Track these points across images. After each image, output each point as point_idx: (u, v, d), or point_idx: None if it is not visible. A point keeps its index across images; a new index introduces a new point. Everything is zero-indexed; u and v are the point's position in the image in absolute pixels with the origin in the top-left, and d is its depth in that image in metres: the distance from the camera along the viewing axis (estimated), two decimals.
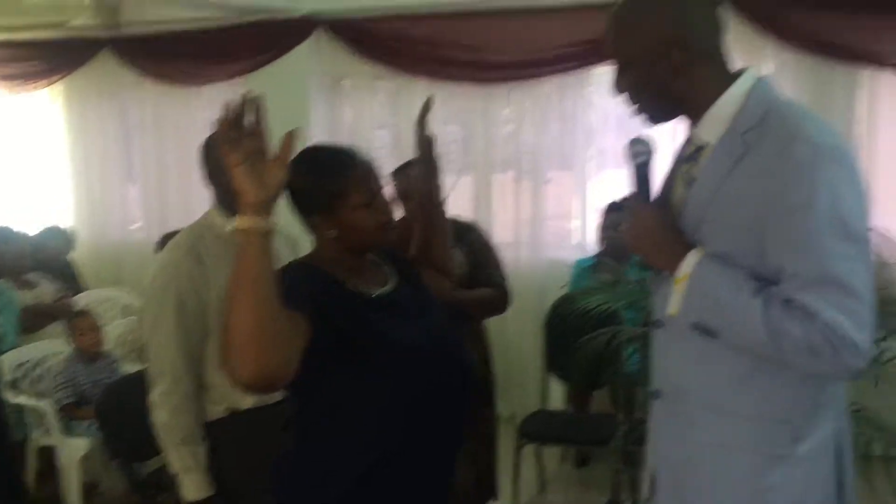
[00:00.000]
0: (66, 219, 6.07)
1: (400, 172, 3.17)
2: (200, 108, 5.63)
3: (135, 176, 6.11)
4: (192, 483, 2.19)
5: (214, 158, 2.14)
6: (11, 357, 4.08)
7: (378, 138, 5.38)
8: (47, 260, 5.19)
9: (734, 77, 1.56)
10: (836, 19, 4.13)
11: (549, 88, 4.89)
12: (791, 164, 1.41)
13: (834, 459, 1.57)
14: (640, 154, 1.65)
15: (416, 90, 5.11)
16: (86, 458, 3.81)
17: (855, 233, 1.41)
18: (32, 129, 6.21)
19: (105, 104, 6.04)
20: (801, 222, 1.40)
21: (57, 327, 4.41)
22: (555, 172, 5.05)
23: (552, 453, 4.41)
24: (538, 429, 3.87)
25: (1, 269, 4.63)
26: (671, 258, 1.55)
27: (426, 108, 2.08)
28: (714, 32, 1.57)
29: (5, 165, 6.34)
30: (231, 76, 5.47)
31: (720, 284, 1.48)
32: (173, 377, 2.18)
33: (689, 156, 1.63)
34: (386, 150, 5.30)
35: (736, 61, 1.61)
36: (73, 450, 3.80)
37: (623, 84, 1.62)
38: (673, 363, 1.65)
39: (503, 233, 5.02)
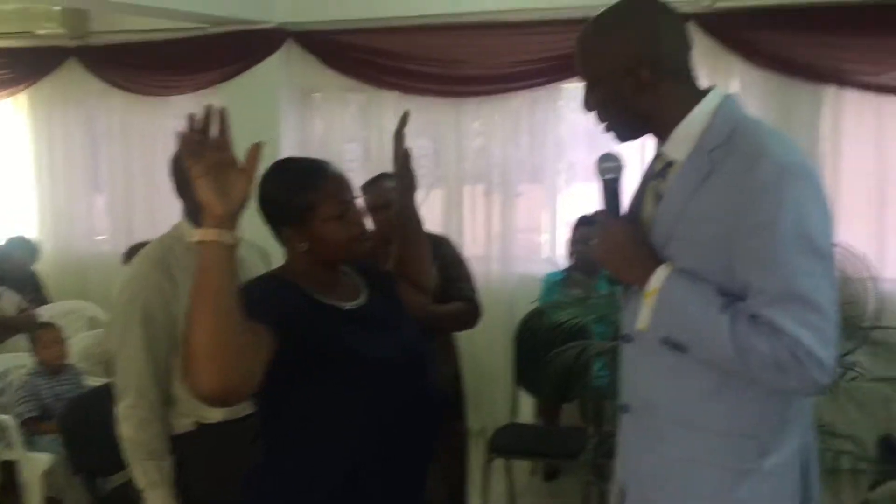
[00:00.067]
0: (30, 229, 5.98)
1: (371, 185, 3.16)
2: (168, 118, 5.58)
3: (101, 186, 6.04)
4: (158, 498, 2.16)
5: (184, 170, 2.12)
6: None
7: (348, 151, 5.37)
8: (11, 271, 5.11)
9: (701, 95, 1.58)
10: (800, 39, 4.21)
11: (519, 102, 4.92)
12: (757, 182, 1.43)
13: (800, 474, 1.58)
14: (609, 170, 1.67)
15: (387, 103, 5.12)
16: (48, 473, 3.75)
17: (820, 249, 1.43)
18: None
19: (71, 113, 5.97)
20: (767, 239, 1.42)
21: (20, 340, 4.34)
22: (525, 186, 5.08)
23: (522, 467, 4.41)
24: (508, 442, 3.87)
25: None
26: (640, 273, 1.56)
27: (403, 122, 2.08)
28: (681, 51, 1.59)
29: None
30: (200, 87, 5.44)
31: (689, 300, 1.49)
32: (139, 390, 2.15)
33: (657, 172, 1.65)
34: (357, 163, 5.30)
35: (703, 79, 1.64)
36: (36, 464, 3.74)
37: (592, 102, 1.63)
38: (642, 378, 1.67)
39: (473, 246, 5.03)
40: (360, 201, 1.87)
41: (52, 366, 3.96)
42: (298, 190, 1.75)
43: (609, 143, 1.74)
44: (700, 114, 1.56)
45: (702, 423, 1.57)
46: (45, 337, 4.00)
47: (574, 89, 4.66)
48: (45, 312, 4.81)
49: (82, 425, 3.11)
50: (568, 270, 4.38)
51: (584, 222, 4.36)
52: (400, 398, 1.75)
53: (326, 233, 1.75)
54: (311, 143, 5.40)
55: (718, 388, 1.54)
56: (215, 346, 1.39)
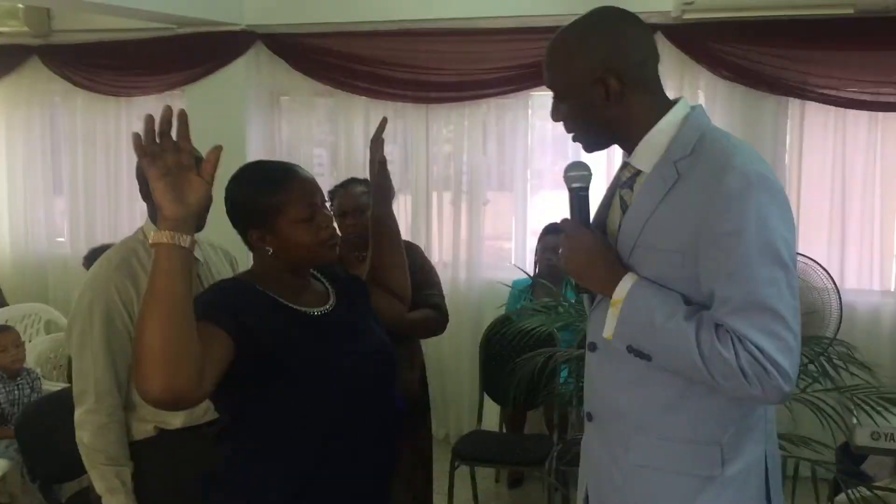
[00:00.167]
0: None
1: (340, 190, 3.15)
2: (132, 120, 5.51)
3: (62, 188, 5.94)
4: None
5: None
6: None
7: (316, 156, 5.34)
8: None
9: (668, 106, 1.60)
10: (765, 52, 4.27)
11: (487, 109, 4.94)
12: (722, 193, 1.45)
13: (763, 481, 1.60)
14: (577, 179, 1.68)
15: (356, 108, 5.11)
16: (3, 479, 3.66)
17: (783, 259, 1.45)
18: None
19: (33, 113, 5.88)
20: (731, 249, 1.44)
21: None
22: (493, 193, 5.09)
23: (486, 474, 4.41)
24: (472, 449, 3.86)
25: None
26: (606, 282, 1.57)
27: (380, 129, 2.07)
28: (649, 62, 1.60)
29: None
30: (166, 88, 5.38)
31: (654, 308, 1.50)
32: (98, 395, 2.12)
33: (624, 181, 1.65)
34: (324, 168, 5.28)
35: (670, 89, 1.65)
36: None
37: (560, 112, 1.64)
38: (606, 386, 1.67)
39: (441, 253, 5.03)
40: (328, 206, 1.85)
41: (9, 370, 3.89)
42: (267, 191, 1.73)
43: (577, 152, 1.75)
44: (667, 124, 1.57)
45: (665, 431, 1.58)
46: (2, 341, 3.92)
47: (543, 97, 4.68)
48: (2, 315, 4.71)
49: (39, 431, 3.06)
50: (535, 277, 4.40)
51: (551, 230, 4.38)
52: (361, 406, 1.73)
53: (293, 236, 1.73)
54: (278, 146, 5.36)
55: (682, 396, 1.55)
56: (165, 349, 1.38)
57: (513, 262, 4.79)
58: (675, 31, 4.35)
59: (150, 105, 5.36)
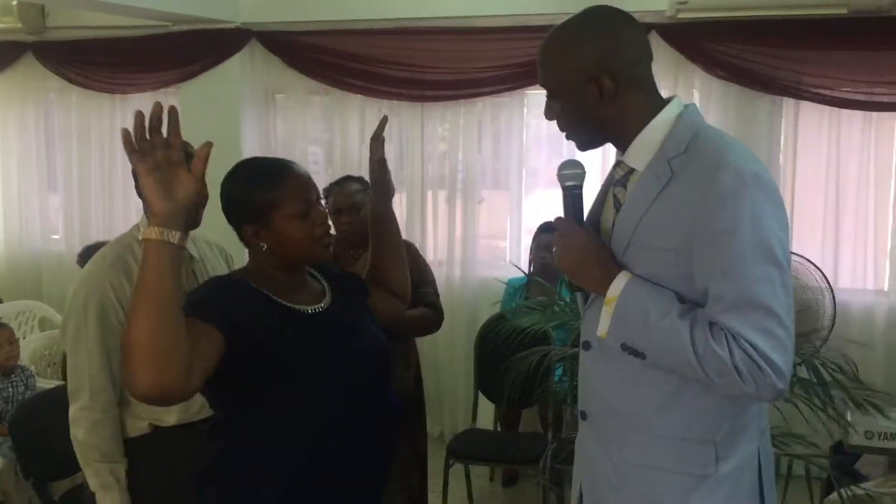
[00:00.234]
0: None
1: (335, 187, 3.15)
2: (127, 117, 5.49)
3: (56, 185, 5.93)
4: (111, 501, 2.12)
5: None
6: None
7: (311, 154, 5.33)
8: None
9: (662, 104, 1.60)
10: (760, 51, 4.28)
11: (483, 108, 4.94)
12: (715, 191, 1.45)
13: (756, 478, 1.60)
14: (571, 177, 1.68)
15: (351, 106, 5.10)
16: None
17: (777, 257, 1.45)
18: None
19: (27, 110, 5.87)
20: (725, 247, 1.44)
21: None
22: (488, 191, 5.09)
23: (481, 472, 4.41)
24: (467, 448, 3.86)
25: None
26: (600, 280, 1.57)
27: (381, 127, 2.06)
28: (642, 60, 1.60)
29: None
30: (161, 85, 5.37)
31: (648, 306, 1.50)
32: (93, 392, 2.12)
33: (618, 180, 1.66)
34: (319, 166, 5.27)
35: (664, 88, 1.65)
36: None
37: (553, 112, 1.64)
38: (600, 384, 1.67)
39: (436, 251, 5.03)
40: (323, 202, 1.85)
41: (3, 367, 3.89)
42: (262, 187, 1.74)
43: (572, 151, 1.75)
44: (661, 123, 1.57)
45: (659, 430, 1.58)
46: None
47: (538, 96, 4.67)
48: None
49: (33, 429, 3.05)
50: (530, 276, 4.40)
51: (546, 229, 4.38)
52: (355, 404, 1.73)
53: (288, 231, 1.73)
54: (273, 144, 5.36)
55: (676, 394, 1.56)
56: (153, 345, 1.39)
57: (508, 261, 4.79)
58: (669, 31, 4.35)
59: (145, 102, 5.31)
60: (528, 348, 3.35)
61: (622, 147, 1.63)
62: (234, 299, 1.67)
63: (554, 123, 1.66)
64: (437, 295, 3.08)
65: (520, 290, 4.36)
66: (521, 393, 3.52)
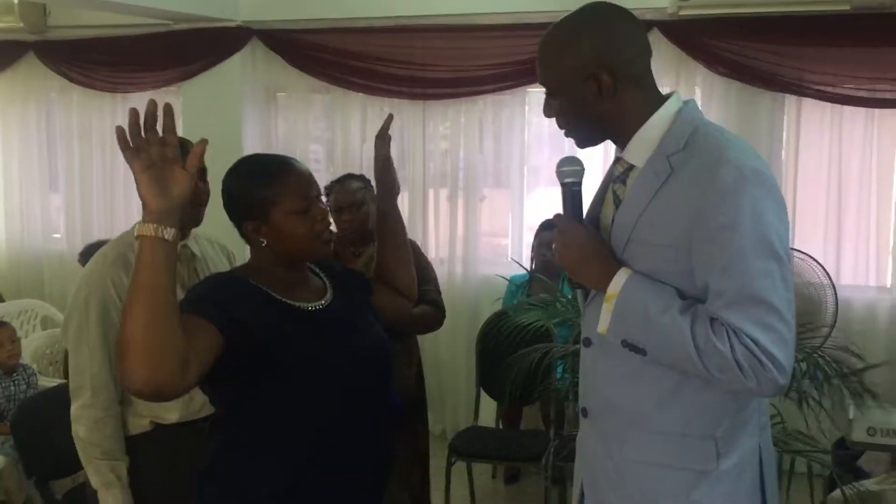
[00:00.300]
0: None
1: (337, 185, 3.15)
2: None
3: (58, 184, 5.94)
4: (113, 499, 2.12)
5: None
6: None
7: (312, 152, 5.33)
8: None
9: (661, 100, 1.59)
10: (762, 48, 4.27)
11: (484, 106, 4.93)
12: (715, 187, 1.45)
13: (757, 473, 1.60)
14: (569, 174, 1.67)
15: (352, 104, 5.10)
16: (0, 476, 3.65)
17: (777, 252, 1.45)
18: None
19: (29, 109, 5.87)
20: (725, 243, 1.44)
21: None
22: (490, 189, 5.09)
23: (483, 469, 4.41)
24: (469, 445, 3.86)
25: None
26: (600, 276, 1.57)
27: (386, 125, 2.06)
28: (641, 56, 1.60)
29: None
30: (162, 84, 5.37)
31: (649, 302, 1.50)
32: (94, 389, 2.12)
33: (617, 176, 1.66)
34: (320, 165, 5.27)
35: (666, 86, 1.64)
36: None
37: (552, 109, 1.64)
38: (601, 381, 1.67)
39: (438, 249, 5.03)
40: (324, 200, 1.85)
41: (5, 366, 3.89)
42: (262, 183, 1.74)
43: (573, 149, 1.75)
44: (660, 119, 1.57)
45: (660, 426, 1.58)
46: None
47: (539, 94, 4.64)
48: None
49: (35, 427, 3.05)
50: (532, 273, 4.40)
51: (548, 226, 4.37)
52: (355, 402, 1.73)
53: (288, 227, 1.73)
54: (274, 143, 5.36)
55: (676, 390, 1.56)
56: (147, 342, 1.39)
57: (510, 259, 4.79)
58: (671, 28, 4.35)
59: (147, 101, 5.34)
60: (529, 345, 3.34)
61: (621, 144, 1.63)
62: (233, 296, 1.67)
63: (555, 121, 1.66)
64: (438, 293, 3.08)
65: (522, 288, 4.36)
66: (522, 390, 3.52)
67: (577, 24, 1.59)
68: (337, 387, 1.70)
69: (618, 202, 1.63)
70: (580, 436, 1.76)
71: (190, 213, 2.20)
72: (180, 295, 1.72)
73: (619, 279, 1.54)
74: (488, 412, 4.25)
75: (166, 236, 1.42)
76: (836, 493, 2.98)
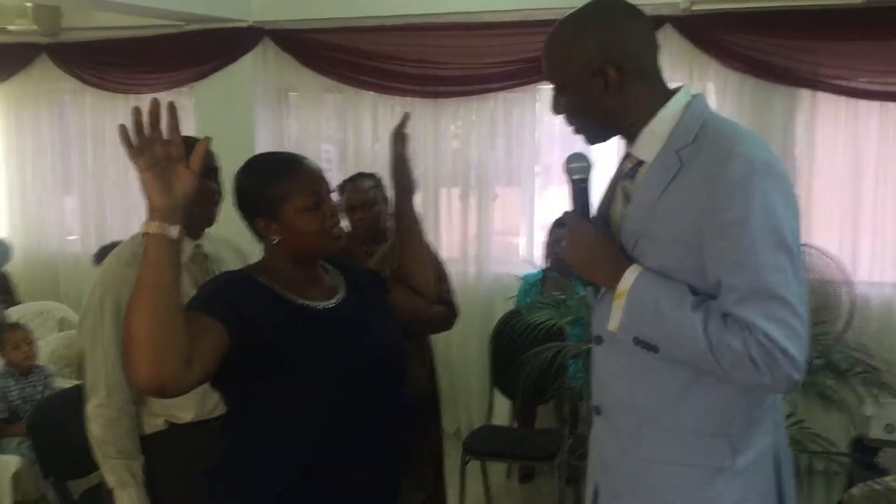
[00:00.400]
0: None
1: (349, 184, 3.15)
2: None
3: (72, 185, 5.97)
4: (128, 498, 2.13)
5: None
6: None
7: (324, 151, 5.34)
8: None
9: (669, 95, 1.58)
10: (776, 42, 4.23)
11: (495, 104, 4.92)
12: (726, 180, 1.44)
13: (773, 471, 1.59)
14: (578, 170, 1.67)
15: (364, 104, 5.11)
16: (17, 476, 3.68)
17: (788, 246, 1.44)
18: None
19: (42, 111, 5.91)
20: (736, 237, 1.43)
21: None
22: (501, 188, 5.08)
23: (497, 469, 4.40)
24: (483, 444, 3.85)
25: None
26: (610, 274, 1.56)
27: (403, 123, 2.05)
28: (648, 51, 1.59)
29: None
30: (174, 85, 5.39)
31: (660, 299, 1.49)
32: (109, 388, 2.12)
33: (627, 172, 1.65)
34: (332, 164, 5.28)
35: (679, 81, 1.63)
36: (5, 468, 3.68)
37: (560, 106, 1.63)
38: (613, 379, 1.66)
39: (450, 248, 5.02)
40: (335, 196, 1.85)
41: (21, 367, 3.91)
42: (272, 180, 1.74)
43: (585, 146, 1.74)
44: (668, 113, 1.56)
45: (673, 423, 1.57)
46: (13, 338, 3.95)
47: (550, 91, 4.66)
48: (14, 313, 4.74)
49: (52, 428, 3.07)
50: (545, 272, 4.39)
51: (560, 224, 4.36)
52: (364, 401, 1.72)
53: (298, 224, 1.73)
54: (286, 143, 5.37)
55: (689, 387, 1.54)
56: (151, 339, 1.41)
57: (522, 257, 4.78)
58: (684, 23, 4.32)
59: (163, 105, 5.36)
60: (543, 344, 3.34)
61: (630, 139, 1.62)
62: (241, 294, 1.68)
63: (563, 118, 1.65)
64: (451, 292, 3.07)
65: (535, 286, 4.35)
66: (536, 389, 3.51)
67: (581, 19, 1.58)
68: (344, 386, 1.70)
69: (627, 198, 1.62)
70: (593, 434, 1.75)
71: (203, 214, 2.21)
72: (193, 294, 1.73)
73: (630, 276, 1.53)
74: (502, 411, 4.24)
75: (170, 234, 1.43)
76: (854, 490, 2.96)
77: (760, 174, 1.43)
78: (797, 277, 1.44)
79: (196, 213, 2.10)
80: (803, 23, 4.17)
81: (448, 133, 5.04)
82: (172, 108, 1.46)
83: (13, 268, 5.59)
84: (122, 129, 1.42)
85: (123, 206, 5.70)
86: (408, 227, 2.06)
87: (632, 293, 1.52)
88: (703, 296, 1.47)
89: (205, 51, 5.21)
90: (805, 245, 3.64)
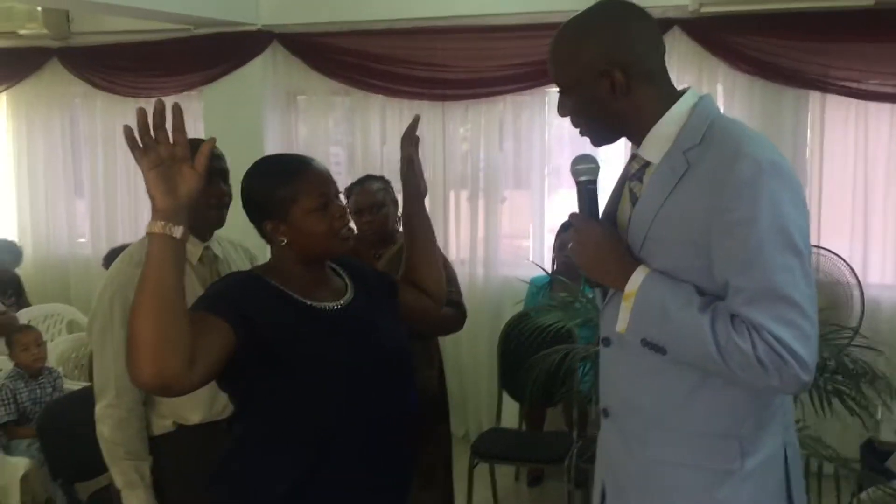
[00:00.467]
0: (9, 232, 5.93)
1: (357, 186, 3.15)
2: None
3: (82, 189, 6.00)
4: (136, 499, 2.13)
5: None
6: None
7: (333, 154, 5.35)
8: None
9: (676, 96, 1.58)
10: (785, 44, 4.22)
11: (504, 107, 4.92)
12: (733, 181, 1.43)
13: (783, 473, 1.58)
14: (584, 172, 1.67)
15: (373, 107, 5.11)
16: (26, 478, 3.69)
17: (797, 246, 1.43)
18: None
19: (53, 115, 5.94)
20: (744, 238, 1.42)
21: None
22: (510, 191, 5.07)
23: (506, 472, 4.39)
24: (492, 447, 3.85)
25: None
26: (617, 275, 1.56)
27: (413, 126, 2.06)
28: (654, 53, 1.59)
29: None
30: (184, 89, 5.41)
31: (667, 300, 1.48)
32: (118, 390, 2.13)
33: (634, 173, 1.64)
34: (341, 167, 5.28)
35: (688, 83, 1.63)
36: (14, 469, 3.68)
37: (566, 108, 1.63)
38: (621, 381, 1.65)
39: (458, 251, 5.02)
40: (343, 198, 1.85)
41: (31, 369, 3.92)
42: (281, 182, 1.74)
43: (593, 148, 1.74)
44: (675, 115, 1.56)
45: (681, 425, 1.56)
46: (23, 339, 3.96)
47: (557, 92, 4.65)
48: (24, 315, 4.76)
49: (61, 429, 3.08)
50: (553, 274, 4.38)
51: (567, 227, 4.35)
52: (367, 403, 1.72)
53: (306, 226, 1.73)
54: (295, 146, 5.38)
55: (697, 389, 1.54)
56: (154, 338, 1.41)
57: (531, 260, 4.77)
58: (692, 25, 4.32)
59: (168, 106, 5.38)
60: (551, 346, 3.33)
61: (637, 141, 1.61)
62: (247, 294, 1.68)
63: (569, 120, 1.65)
64: (459, 294, 3.07)
65: (543, 289, 4.35)
66: (544, 391, 3.50)
67: (587, 22, 1.58)
68: (350, 387, 1.70)
69: (634, 199, 1.61)
70: (601, 436, 1.75)
71: (212, 216, 2.21)
72: None
73: (637, 277, 1.52)
74: (511, 414, 4.23)
75: (174, 234, 1.44)
76: (864, 494, 2.94)
77: (768, 174, 1.42)
78: (806, 278, 1.43)
79: (202, 216, 2.11)
80: (813, 24, 4.16)
81: (457, 136, 5.04)
82: (177, 109, 1.47)
83: (24, 270, 5.62)
84: (128, 129, 1.43)
85: (133, 210, 5.72)
86: (418, 229, 2.06)
87: (639, 294, 1.51)
88: (711, 297, 1.47)
89: (214, 54, 5.23)
90: (815, 247, 3.62)
